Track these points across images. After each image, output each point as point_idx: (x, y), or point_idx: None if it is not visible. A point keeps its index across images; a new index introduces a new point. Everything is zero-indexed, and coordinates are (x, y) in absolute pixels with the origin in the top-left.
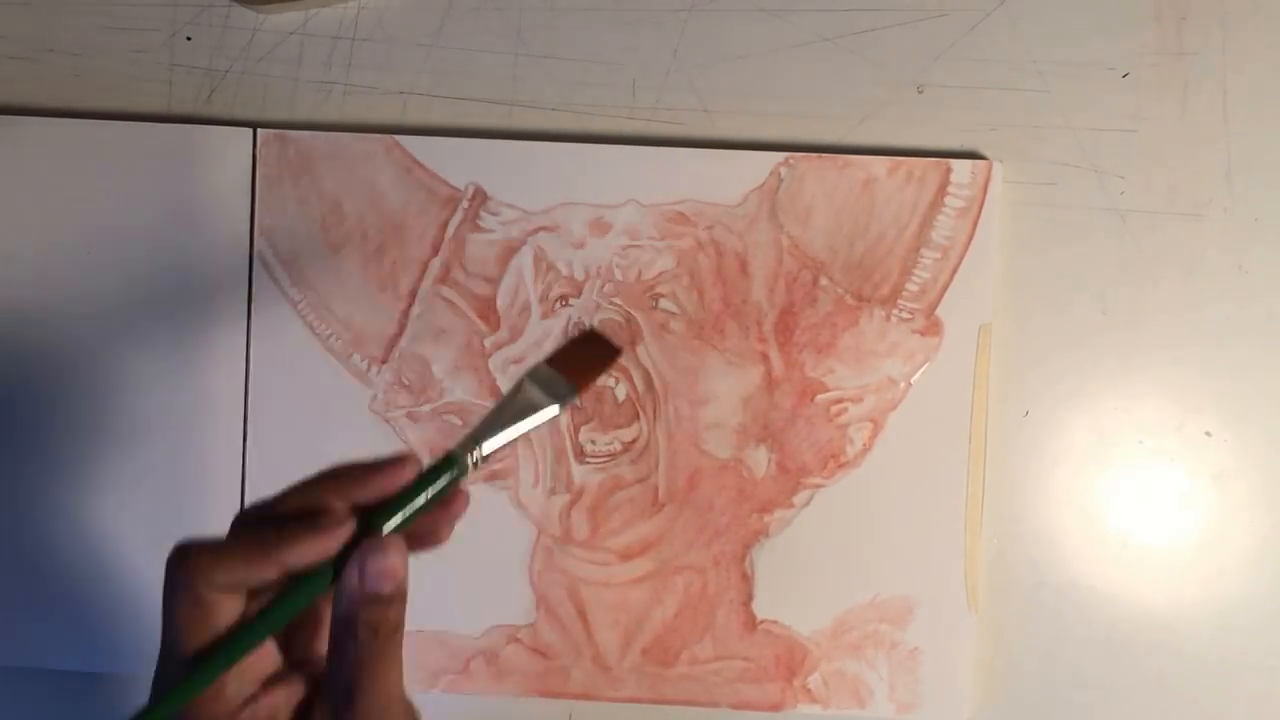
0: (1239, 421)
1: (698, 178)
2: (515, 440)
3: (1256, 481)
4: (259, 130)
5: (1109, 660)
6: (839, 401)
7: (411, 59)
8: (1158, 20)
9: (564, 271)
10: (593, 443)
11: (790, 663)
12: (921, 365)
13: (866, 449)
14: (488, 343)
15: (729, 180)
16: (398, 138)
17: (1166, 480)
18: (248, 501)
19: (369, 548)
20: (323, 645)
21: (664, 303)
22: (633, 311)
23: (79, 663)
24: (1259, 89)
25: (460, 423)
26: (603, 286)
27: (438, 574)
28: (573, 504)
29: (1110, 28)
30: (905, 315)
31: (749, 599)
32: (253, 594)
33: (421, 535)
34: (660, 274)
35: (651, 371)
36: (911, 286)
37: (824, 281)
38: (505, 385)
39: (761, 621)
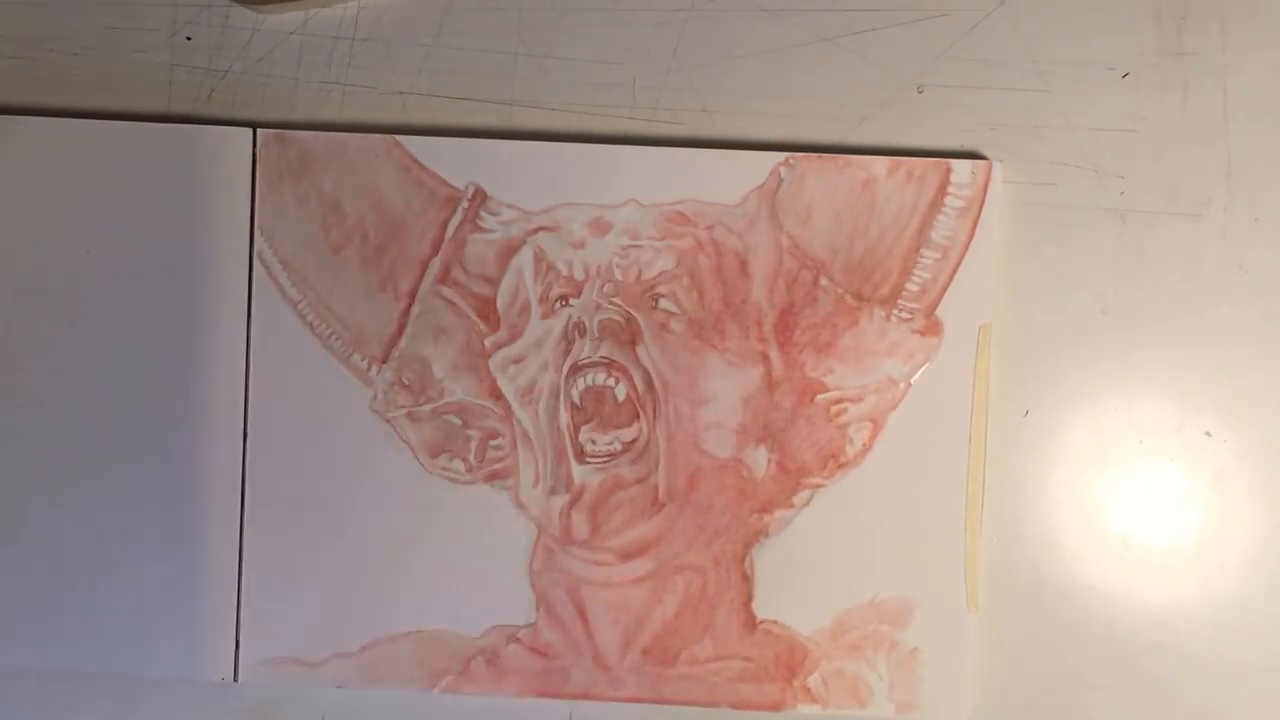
0: (1239, 421)
1: (698, 178)
2: None
3: (1256, 481)
4: (259, 130)
5: (1109, 660)
6: (839, 401)
7: (411, 59)
8: (1158, 20)
9: (564, 271)
10: (593, 443)
11: (790, 663)
12: (921, 365)
13: (866, 449)
14: (488, 343)
15: (729, 180)
16: (398, 138)
17: (1166, 480)
18: (248, 501)
19: None
20: None
21: (664, 303)
22: (633, 311)
23: (79, 663)
24: (1259, 89)
25: (460, 423)
26: (603, 286)
27: (438, 574)
28: (573, 504)
29: (1110, 28)
30: (905, 315)
31: (749, 599)
32: None
33: None
34: (660, 274)
35: (651, 371)
36: (911, 286)
37: (824, 281)
38: (505, 385)
39: (761, 621)
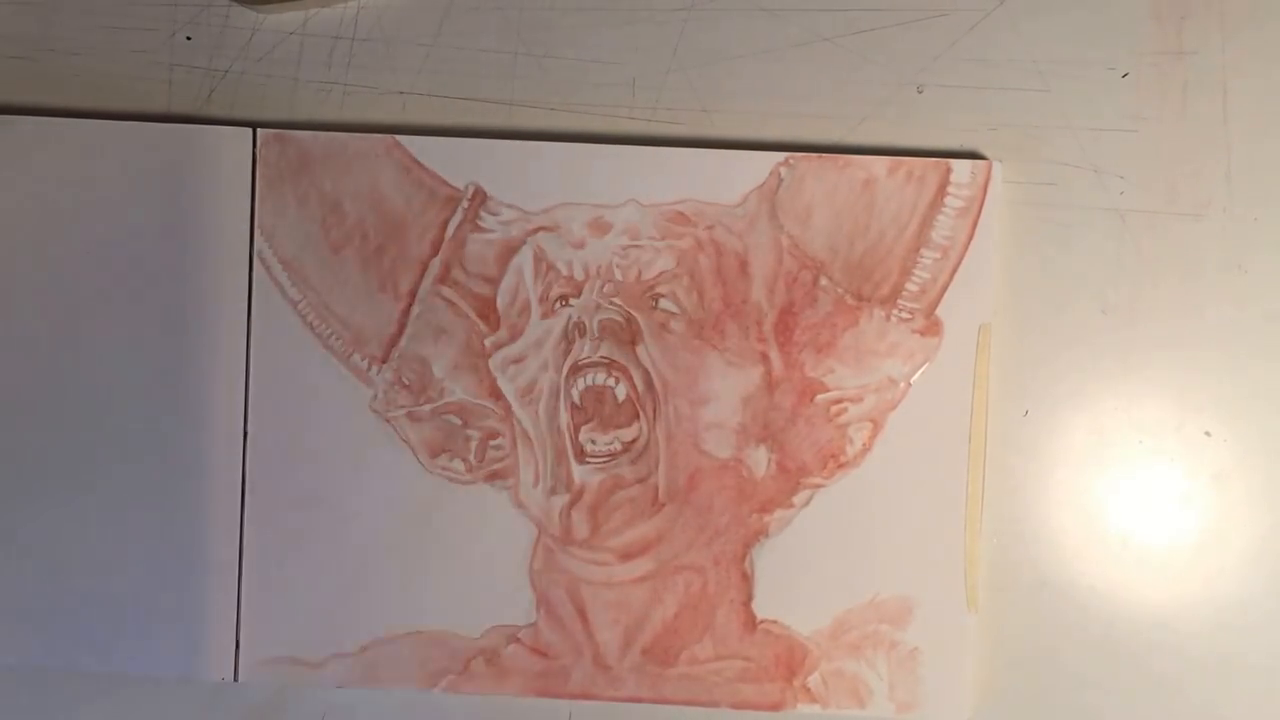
0: (1238, 421)
1: (698, 178)
2: None
3: (1256, 481)
4: (259, 130)
5: (1109, 660)
6: (839, 401)
7: (411, 59)
8: (1158, 20)
9: (564, 271)
10: (593, 443)
11: (790, 662)
12: (921, 365)
13: (866, 449)
14: (488, 342)
15: (729, 180)
16: (398, 138)
17: (1166, 480)
18: (248, 501)
19: None
20: None
21: (664, 303)
22: (633, 311)
23: (79, 663)
24: (1259, 89)
25: (460, 422)
26: (603, 286)
27: (438, 574)
28: (573, 504)
29: (1110, 28)
30: (905, 315)
31: (749, 599)
32: None
33: None
34: (660, 274)
35: (651, 371)
36: (911, 286)
37: (824, 281)
38: (505, 385)
39: (761, 621)
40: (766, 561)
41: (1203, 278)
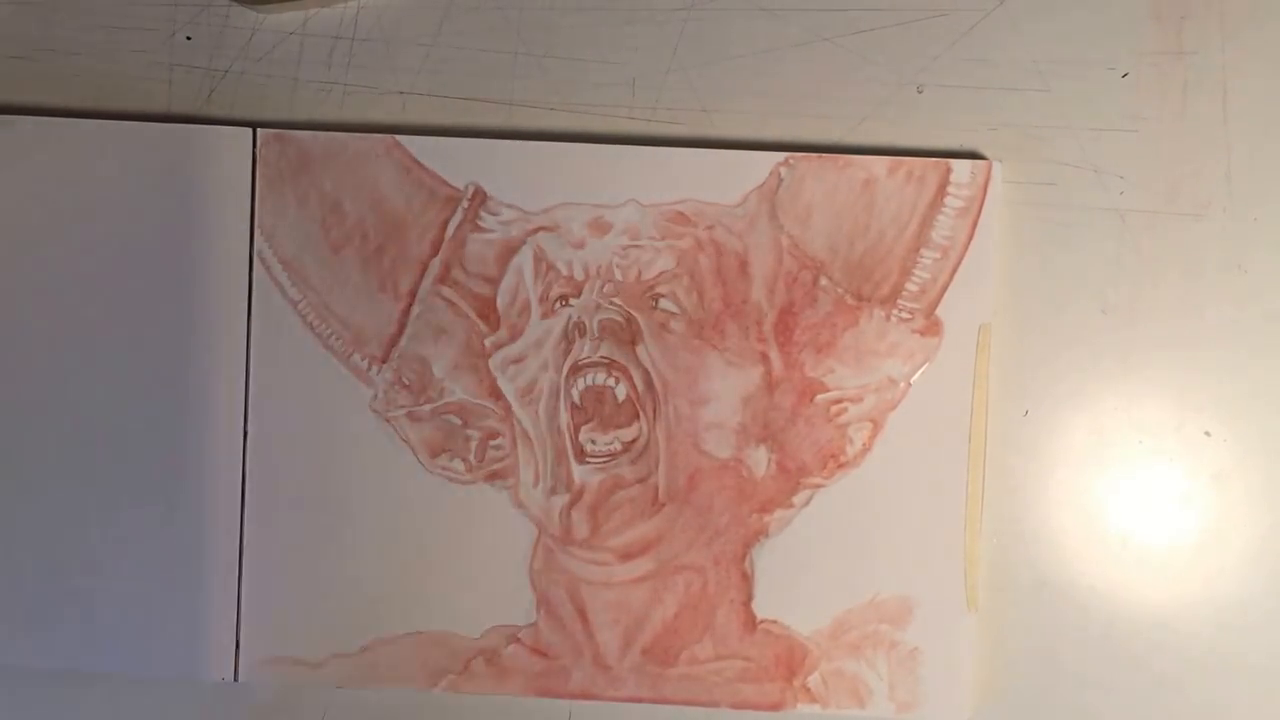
0: (1238, 421)
1: (698, 178)
2: None
3: (1255, 481)
4: (259, 130)
5: (1109, 660)
6: (839, 401)
7: (411, 59)
8: (1158, 20)
9: (564, 271)
10: (593, 443)
11: (790, 662)
12: (921, 365)
13: (866, 449)
14: (488, 342)
15: (729, 180)
16: (398, 138)
17: (1166, 480)
18: (248, 501)
19: None
20: None
21: (664, 303)
22: (633, 311)
23: (79, 663)
24: (1259, 89)
25: (460, 422)
26: (603, 286)
27: (438, 574)
28: (573, 504)
29: (1110, 28)
30: (905, 315)
31: (749, 599)
32: None
33: None
34: (660, 274)
35: (651, 371)
36: (911, 286)
37: (824, 281)
38: (505, 385)
39: (761, 621)
40: (766, 561)
41: (1203, 278)
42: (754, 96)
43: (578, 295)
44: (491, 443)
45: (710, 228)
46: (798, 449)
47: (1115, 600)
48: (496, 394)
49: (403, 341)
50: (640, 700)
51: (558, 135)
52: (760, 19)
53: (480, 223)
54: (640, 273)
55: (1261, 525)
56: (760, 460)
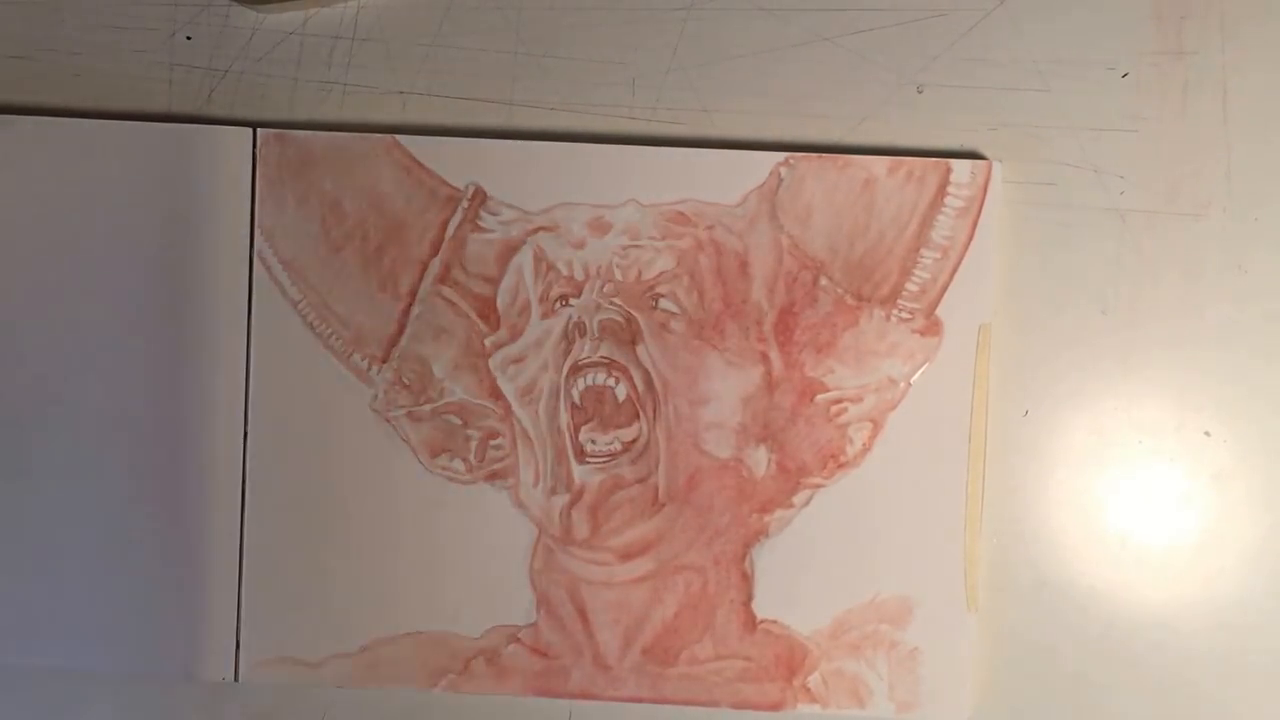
0: (1238, 421)
1: (698, 178)
2: None
3: (1255, 481)
4: (259, 130)
5: (1109, 660)
6: (839, 401)
7: (411, 59)
8: (1158, 20)
9: (564, 271)
10: (593, 442)
11: (790, 662)
12: (921, 365)
13: (866, 449)
14: (488, 342)
15: (729, 180)
16: (398, 138)
17: (1165, 480)
18: (248, 501)
19: None
20: None
21: (664, 303)
22: (633, 311)
23: (79, 663)
24: (1259, 89)
25: (460, 422)
26: (603, 286)
27: (438, 574)
28: (573, 504)
29: (1110, 28)
30: (905, 315)
31: (749, 599)
32: None
33: None
34: (660, 274)
35: (651, 371)
36: (911, 286)
37: (824, 281)
38: (505, 385)
39: (761, 621)
40: (766, 561)
41: (1203, 278)
42: (754, 96)
43: (578, 295)
44: (491, 443)
45: (710, 228)
46: (798, 449)
47: (1115, 600)
48: (496, 394)
49: (403, 341)
50: (640, 700)
51: (558, 135)
52: (760, 19)
53: (480, 223)
54: (640, 273)
55: (1261, 525)
56: (760, 460)
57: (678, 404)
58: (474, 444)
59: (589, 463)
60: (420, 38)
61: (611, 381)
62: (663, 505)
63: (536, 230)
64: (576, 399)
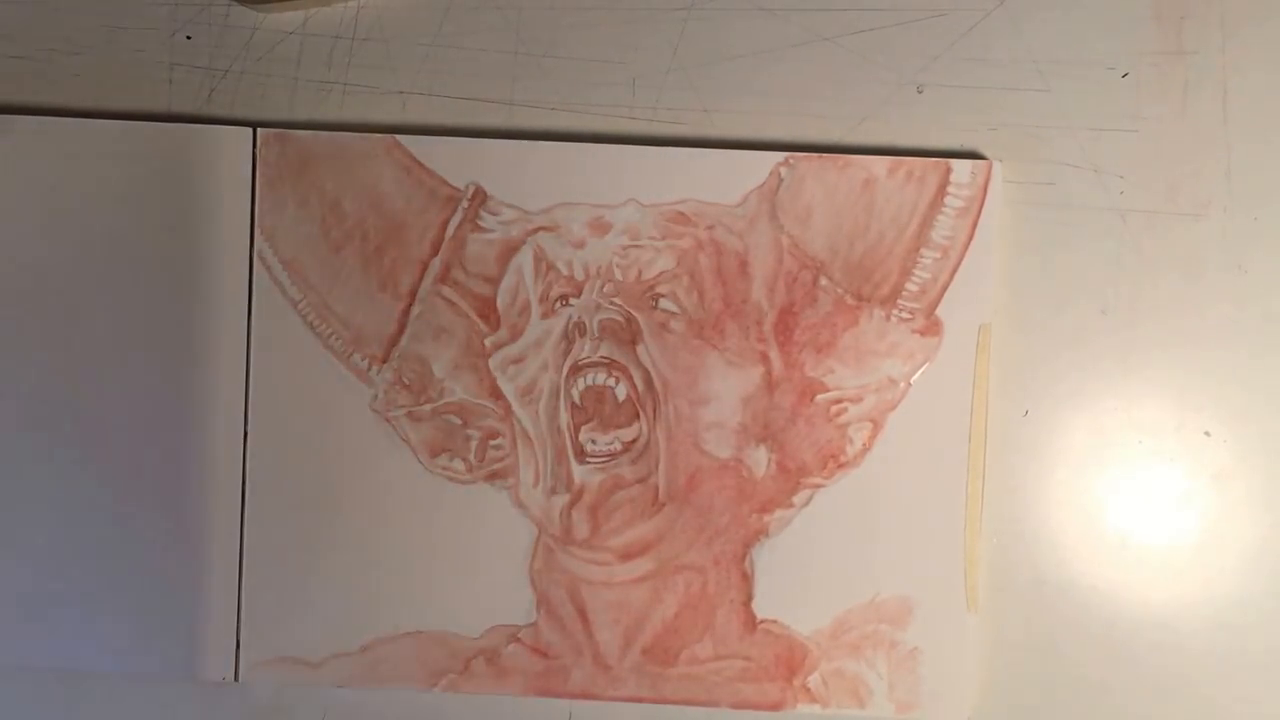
0: (1238, 421)
1: (698, 177)
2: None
3: (1255, 481)
4: (259, 130)
5: (1109, 660)
6: (839, 401)
7: (411, 59)
8: (1158, 20)
9: (564, 271)
10: (593, 442)
11: (790, 662)
12: (921, 365)
13: (866, 449)
14: (488, 342)
15: (729, 180)
16: (398, 138)
17: (1165, 480)
18: (248, 501)
19: None
20: None
21: (664, 303)
22: (633, 311)
23: (79, 663)
24: (1259, 89)
25: (460, 422)
26: (603, 286)
27: (438, 574)
28: (573, 504)
29: (1110, 28)
30: (905, 315)
31: (749, 599)
32: None
33: None
34: (660, 274)
35: (651, 371)
36: (911, 286)
37: (824, 281)
38: (505, 385)
39: (761, 621)
40: (766, 561)
41: (1203, 278)
42: (754, 96)
43: (578, 295)
44: (491, 443)
45: (710, 228)
46: (798, 449)
47: (1115, 600)
48: (496, 394)
49: (403, 341)
50: (640, 700)
51: (558, 135)
52: (760, 19)
53: (480, 222)
54: (640, 272)
55: (1261, 525)
56: (760, 460)
57: (678, 404)
58: (474, 444)
59: (589, 463)
60: (420, 38)
61: (611, 381)
62: (663, 505)
63: (536, 230)
64: (576, 399)
